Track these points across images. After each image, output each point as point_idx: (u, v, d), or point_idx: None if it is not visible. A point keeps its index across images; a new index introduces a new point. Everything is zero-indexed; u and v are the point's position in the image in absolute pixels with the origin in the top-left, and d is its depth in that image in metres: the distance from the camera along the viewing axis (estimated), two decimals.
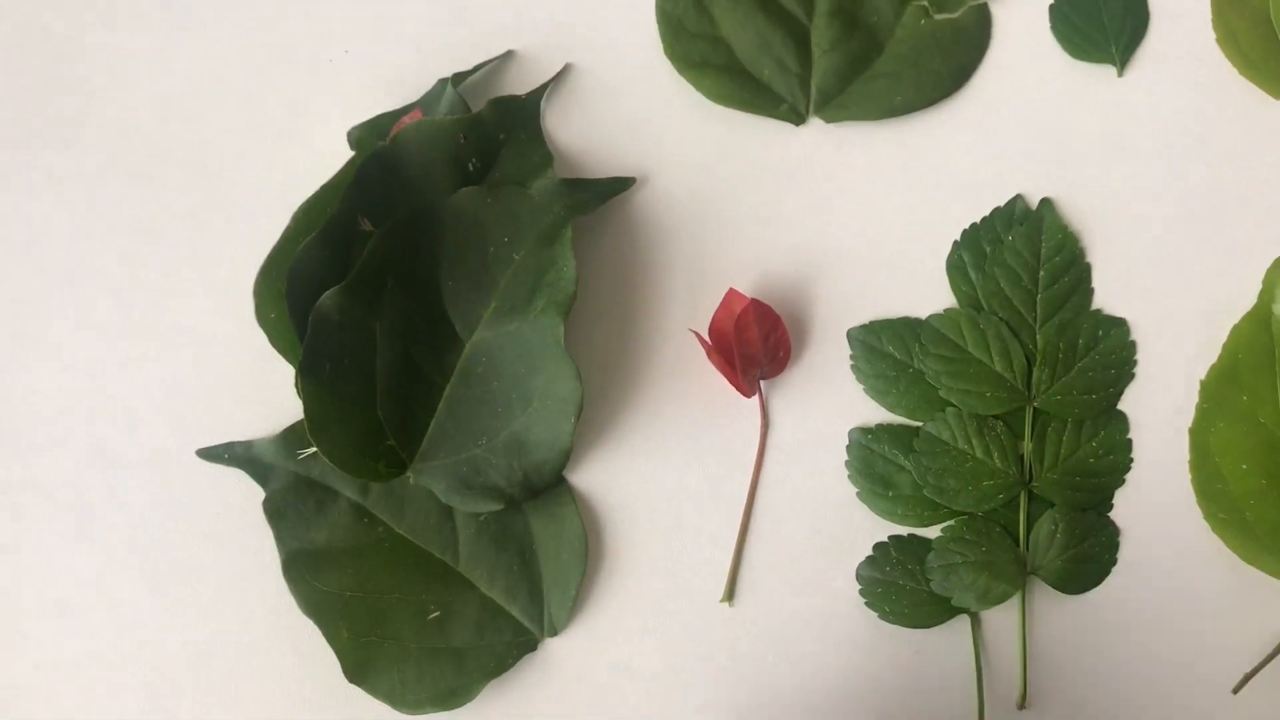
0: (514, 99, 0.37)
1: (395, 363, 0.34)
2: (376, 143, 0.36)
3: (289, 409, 0.36)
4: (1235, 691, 0.34)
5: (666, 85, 0.38)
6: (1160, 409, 0.36)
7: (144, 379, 0.37)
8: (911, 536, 0.35)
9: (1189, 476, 0.35)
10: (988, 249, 0.36)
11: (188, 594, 0.36)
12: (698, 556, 0.35)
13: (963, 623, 0.35)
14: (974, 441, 0.35)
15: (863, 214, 0.37)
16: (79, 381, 0.37)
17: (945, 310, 0.36)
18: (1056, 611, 0.35)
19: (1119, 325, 0.36)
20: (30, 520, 0.36)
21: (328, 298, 0.33)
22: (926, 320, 0.36)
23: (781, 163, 0.37)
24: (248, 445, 0.36)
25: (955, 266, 0.36)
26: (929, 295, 0.37)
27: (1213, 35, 0.38)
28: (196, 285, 0.37)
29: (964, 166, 0.37)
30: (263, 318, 0.35)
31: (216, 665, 0.35)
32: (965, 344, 0.35)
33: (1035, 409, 0.35)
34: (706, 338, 0.35)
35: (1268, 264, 0.36)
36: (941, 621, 0.34)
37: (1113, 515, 0.35)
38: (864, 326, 0.36)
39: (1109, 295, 0.36)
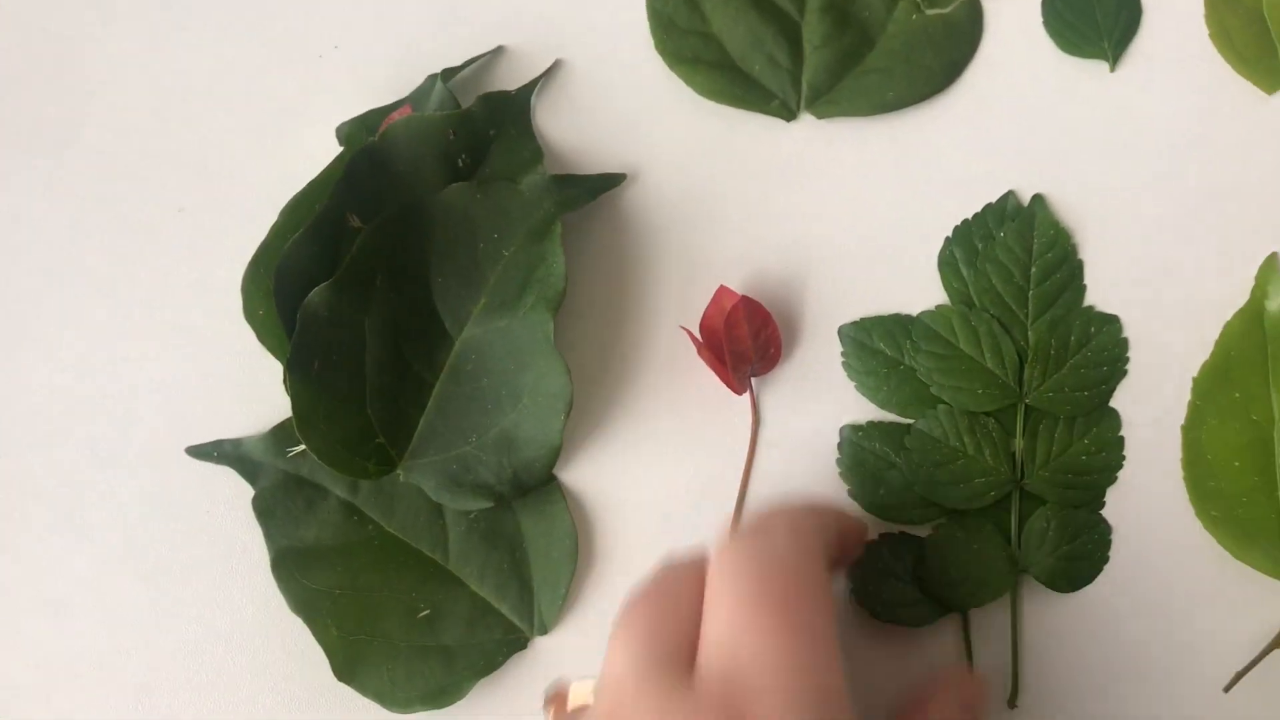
0: (504, 95, 0.37)
1: (384, 359, 0.34)
2: (366, 138, 0.36)
3: (278, 406, 0.35)
4: (1227, 689, 0.34)
5: (657, 81, 0.38)
6: (1152, 406, 0.36)
7: (133, 377, 0.37)
8: (903, 534, 0.35)
9: (1181, 474, 0.35)
10: (979, 245, 0.36)
11: (176, 592, 0.36)
12: None
13: (954, 621, 0.35)
14: (965, 439, 0.35)
15: (854, 210, 0.37)
16: (68, 379, 0.37)
17: (937, 307, 0.36)
18: (1048, 610, 0.35)
19: (1111, 322, 0.36)
20: (18, 518, 0.36)
21: (316, 294, 0.33)
22: (918, 317, 0.36)
23: (773, 159, 0.37)
24: (237, 443, 0.36)
25: (947, 263, 0.36)
26: (920, 292, 0.37)
27: (1205, 31, 0.38)
28: (186, 282, 0.37)
29: (956, 162, 0.37)
30: (251, 314, 0.35)
31: (205, 663, 0.35)
32: (957, 341, 0.35)
33: (1027, 406, 0.35)
34: (697, 334, 0.35)
35: (1260, 261, 0.36)
36: (933, 620, 0.34)
37: (1105, 513, 0.35)
38: (855, 323, 0.36)
39: (1101, 292, 0.36)
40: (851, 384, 0.36)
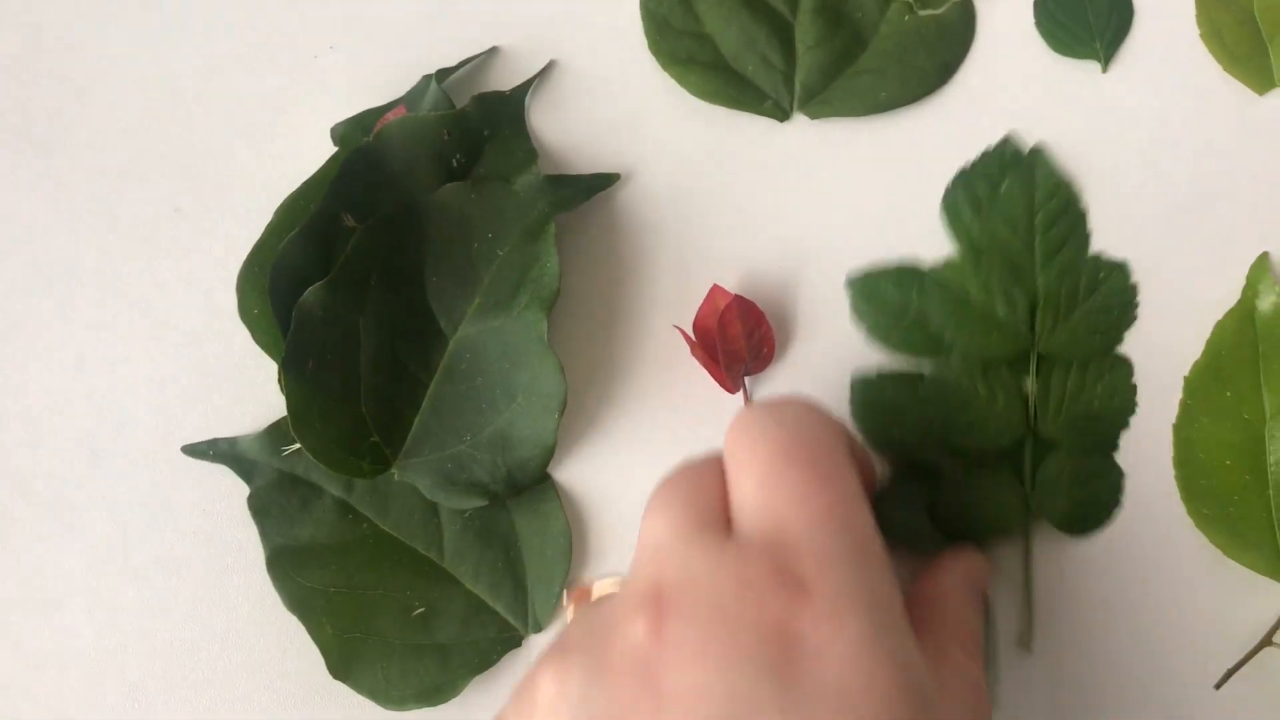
0: (498, 95, 0.37)
1: (379, 359, 0.34)
2: (361, 138, 0.36)
3: (274, 405, 0.36)
4: (1218, 687, 0.34)
5: (651, 82, 0.38)
6: (1147, 397, 0.36)
7: (128, 376, 0.37)
8: (916, 470, 0.35)
9: (1173, 472, 0.35)
10: (983, 191, 0.36)
11: (172, 590, 0.36)
12: None
13: None
14: (979, 386, 0.35)
15: (847, 210, 0.37)
16: (63, 378, 0.37)
17: (945, 258, 0.36)
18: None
19: (1119, 268, 0.36)
20: (13, 516, 0.36)
21: (311, 294, 0.33)
22: (929, 269, 0.36)
23: (766, 159, 0.37)
24: (232, 442, 0.36)
25: (951, 208, 0.36)
26: None
27: (1197, 31, 0.38)
28: (181, 281, 0.37)
29: (948, 162, 0.37)
30: (246, 314, 0.35)
31: (200, 661, 0.35)
32: (967, 290, 0.35)
33: (1039, 353, 0.35)
34: (690, 334, 0.35)
35: (1251, 260, 0.36)
36: (945, 549, 0.34)
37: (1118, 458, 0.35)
38: (862, 272, 0.36)
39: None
40: (846, 382, 0.36)
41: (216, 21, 0.39)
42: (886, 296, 0.36)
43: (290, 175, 0.36)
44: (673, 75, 0.38)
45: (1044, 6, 0.38)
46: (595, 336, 0.37)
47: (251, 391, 0.36)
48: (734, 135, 0.38)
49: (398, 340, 0.35)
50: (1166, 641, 0.35)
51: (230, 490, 0.36)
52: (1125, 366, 0.36)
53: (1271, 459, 0.35)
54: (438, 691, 0.34)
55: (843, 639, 0.23)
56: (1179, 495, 0.35)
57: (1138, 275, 0.36)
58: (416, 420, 0.35)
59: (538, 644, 0.35)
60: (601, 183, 0.37)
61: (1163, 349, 0.36)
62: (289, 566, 0.35)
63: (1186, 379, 0.36)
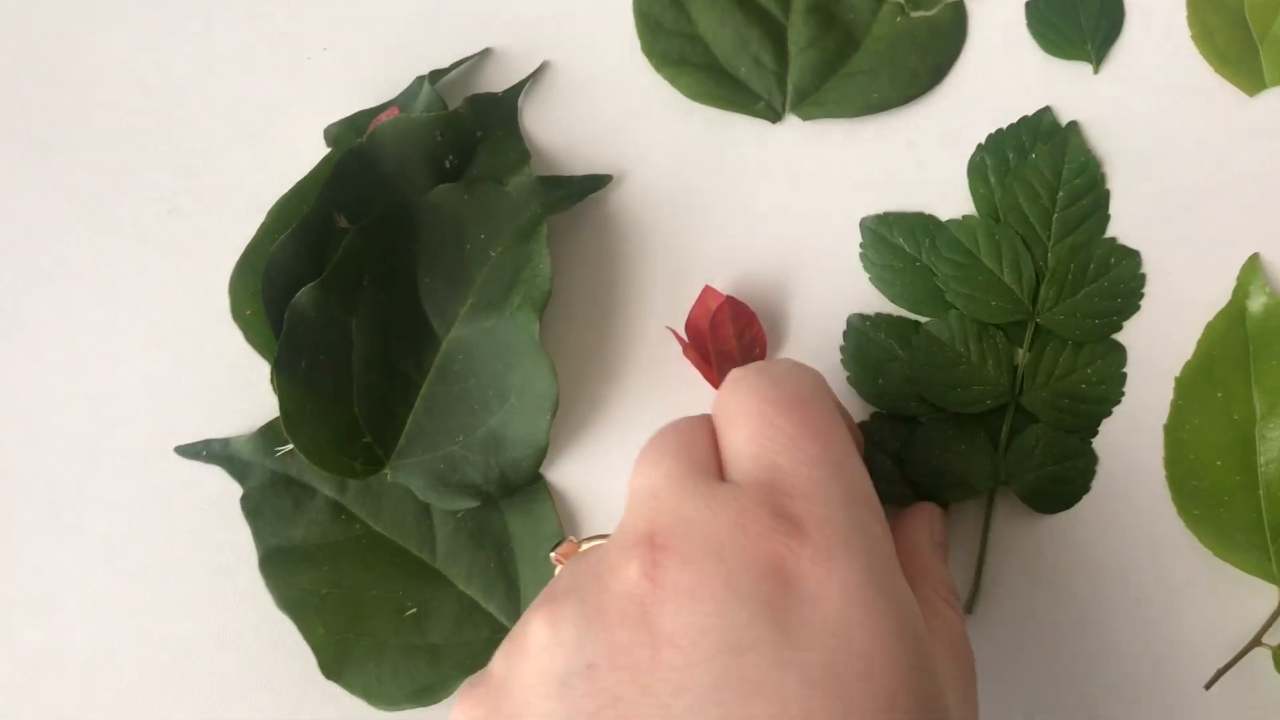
0: (491, 96, 0.37)
1: (371, 359, 0.34)
2: (354, 140, 0.36)
3: (267, 406, 0.36)
4: (1208, 687, 0.34)
5: (644, 83, 0.38)
6: (1141, 388, 0.36)
7: (122, 376, 0.37)
8: (896, 417, 0.36)
9: (1163, 473, 0.36)
10: (1011, 157, 0.36)
11: (165, 591, 0.36)
12: None
13: None
14: (971, 346, 0.35)
15: (839, 211, 0.37)
16: (57, 378, 0.37)
17: (963, 216, 0.36)
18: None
19: (1131, 256, 0.36)
20: (7, 517, 0.36)
21: (303, 294, 0.33)
22: (944, 223, 0.36)
23: (758, 160, 0.38)
24: (225, 442, 0.36)
25: (976, 169, 0.37)
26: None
27: (1188, 32, 0.38)
28: (175, 282, 0.37)
29: (940, 163, 0.37)
30: (238, 314, 0.35)
31: (193, 662, 0.35)
32: (978, 251, 0.36)
33: (1037, 325, 0.36)
34: (682, 335, 0.36)
35: (1242, 261, 0.36)
36: (911, 502, 0.35)
37: (1095, 445, 0.36)
38: (878, 216, 0.37)
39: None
40: (840, 379, 0.36)
41: (210, 22, 0.39)
42: (898, 242, 0.36)
43: (283, 176, 0.36)
44: (665, 76, 0.38)
45: (1035, 8, 0.38)
46: (588, 337, 0.37)
47: (245, 392, 0.36)
48: (726, 136, 0.38)
49: (390, 341, 0.35)
50: (1157, 642, 0.35)
51: (223, 491, 0.36)
52: (1119, 354, 0.36)
53: (1262, 460, 0.35)
54: (430, 692, 0.34)
55: (839, 578, 0.23)
56: (1169, 495, 0.35)
57: None
58: (409, 421, 0.35)
59: None
60: (594, 184, 0.37)
61: (1157, 345, 0.36)
62: (282, 567, 0.35)
63: (1178, 379, 0.36)
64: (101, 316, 0.37)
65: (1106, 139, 0.37)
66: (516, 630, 0.25)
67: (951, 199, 0.37)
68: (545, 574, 0.35)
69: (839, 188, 0.37)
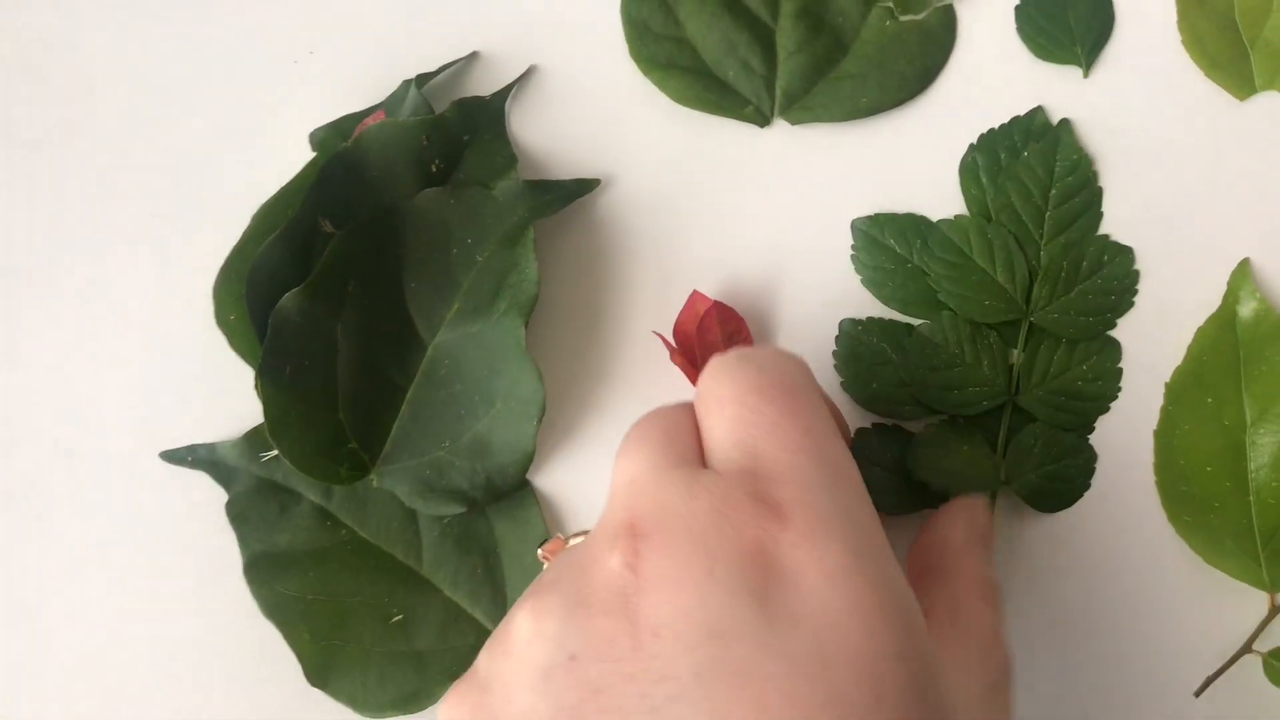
0: (478, 100, 0.37)
1: (357, 365, 0.34)
2: (339, 144, 0.36)
3: (253, 411, 0.35)
4: (1198, 694, 0.34)
5: (632, 87, 0.38)
6: (1131, 395, 0.36)
7: (106, 381, 0.37)
8: (895, 426, 0.35)
9: (1153, 479, 0.35)
10: (1003, 157, 0.36)
11: (149, 597, 0.36)
12: None
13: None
14: (965, 347, 0.35)
15: (829, 214, 0.37)
16: (41, 383, 0.37)
17: (955, 216, 0.36)
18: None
19: (1124, 253, 0.36)
20: None
21: (288, 299, 0.33)
22: (936, 223, 0.36)
23: (746, 165, 0.37)
24: (211, 448, 0.36)
25: (968, 169, 0.37)
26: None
27: (1178, 37, 0.38)
28: (160, 287, 0.37)
29: (929, 168, 0.37)
30: (222, 320, 0.35)
31: (177, 669, 0.35)
32: (971, 251, 0.36)
33: (1031, 324, 0.36)
34: (670, 340, 0.35)
35: (1232, 266, 0.36)
36: (911, 511, 0.35)
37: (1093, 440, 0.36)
38: (869, 218, 0.37)
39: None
40: (833, 384, 0.36)
41: (195, 26, 0.39)
42: (889, 244, 0.36)
43: (268, 180, 0.36)
44: (653, 80, 0.37)
45: (1025, 12, 0.38)
46: (574, 342, 0.37)
47: (230, 397, 0.36)
48: (714, 141, 0.38)
49: (376, 346, 0.34)
50: (1146, 649, 0.35)
51: (209, 497, 0.36)
52: (1114, 350, 0.36)
53: (1252, 466, 0.35)
54: (415, 699, 0.34)
55: (823, 562, 0.23)
56: (1159, 502, 0.35)
57: None
58: (395, 426, 0.35)
59: None
60: (582, 188, 0.37)
61: (1151, 342, 0.36)
62: (267, 573, 0.35)
63: (1168, 385, 0.36)
64: (85, 321, 0.37)
65: (1097, 143, 0.37)
66: (501, 625, 0.25)
67: (942, 201, 0.37)
68: (532, 579, 0.34)
69: (828, 191, 0.37)
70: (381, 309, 0.34)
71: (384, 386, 0.35)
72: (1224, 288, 0.36)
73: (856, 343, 0.36)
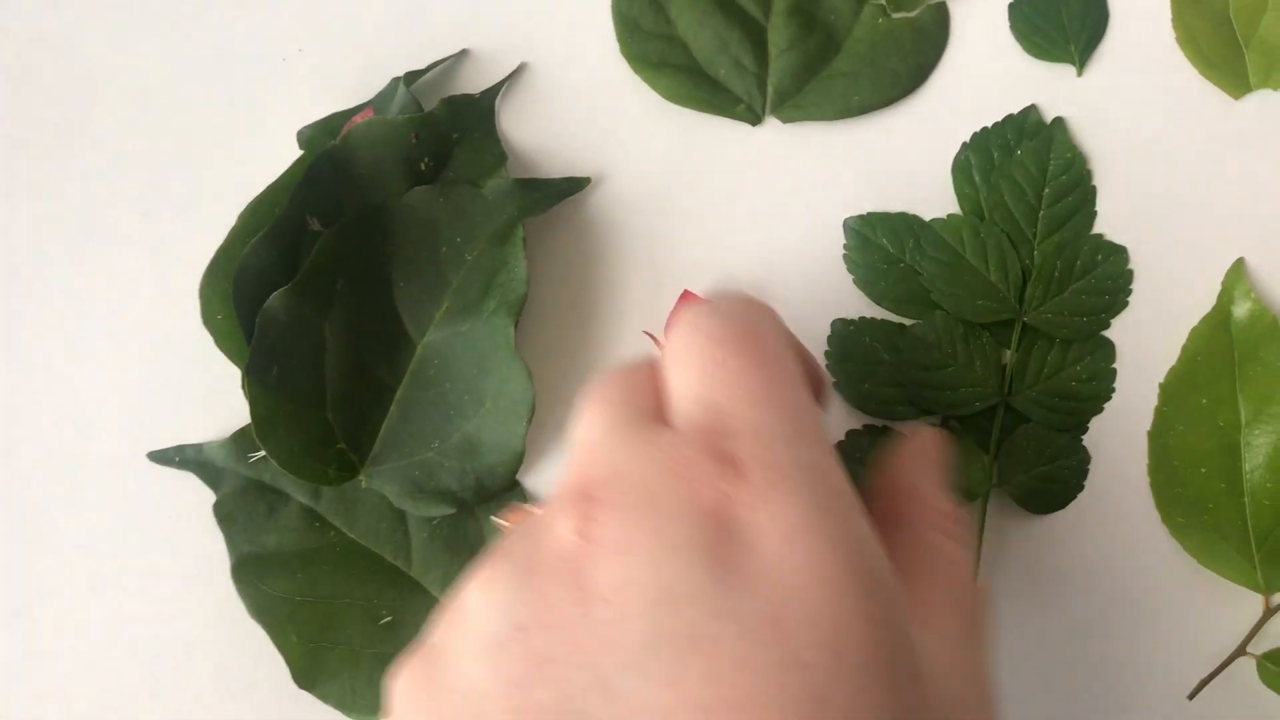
0: (468, 98, 0.37)
1: (345, 364, 0.34)
2: (327, 142, 0.35)
3: (241, 411, 0.35)
4: (1191, 697, 0.34)
5: (622, 85, 0.37)
6: (1129, 403, 0.36)
7: (93, 381, 0.37)
8: (886, 428, 0.35)
9: (1147, 480, 0.35)
10: (996, 155, 0.36)
11: (136, 598, 0.35)
12: None
13: None
14: (958, 347, 0.35)
15: (821, 213, 0.37)
16: (27, 383, 0.37)
17: (948, 215, 0.36)
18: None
19: (1118, 252, 0.36)
20: None
21: (275, 299, 0.33)
22: (929, 223, 0.36)
23: (738, 163, 0.37)
24: (198, 448, 0.36)
25: (961, 168, 0.36)
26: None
27: (1173, 35, 0.37)
28: (149, 286, 0.37)
29: (922, 167, 0.37)
30: (209, 319, 0.35)
31: (164, 671, 0.35)
32: (964, 250, 0.35)
33: (1024, 324, 0.35)
34: (661, 339, 0.35)
35: (1227, 266, 0.36)
36: None
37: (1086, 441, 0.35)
38: (860, 217, 0.36)
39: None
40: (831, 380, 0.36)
41: (183, 23, 0.38)
42: (881, 243, 0.36)
43: (256, 179, 0.35)
44: (644, 78, 0.37)
45: (1019, 9, 0.38)
46: (565, 342, 0.36)
47: (218, 397, 0.36)
48: (706, 139, 0.37)
49: (364, 346, 0.34)
50: (1140, 651, 0.34)
51: (197, 498, 0.35)
52: (1108, 350, 0.36)
53: (1247, 466, 0.35)
54: None
55: (780, 521, 0.22)
56: (1153, 503, 0.35)
57: None
58: (384, 426, 0.34)
59: None
60: (572, 186, 0.37)
61: (1146, 342, 0.36)
62: (254, 574, 0.34)
63: (1162, 385, 0.36)
64: (72, 321, 0.37)
65: (1090, 141, 0.37)
66: (456, 597, 0.24)
67: (935, 200, 0.37)
68: None
69: (820, 190, 0.37)
70: (370, 308, 0.34)
71: (372, 386, 0.34)
72: (1218, 288, 0.36)
73: (849, 343, 0.36)
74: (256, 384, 0.33)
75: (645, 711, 0.20)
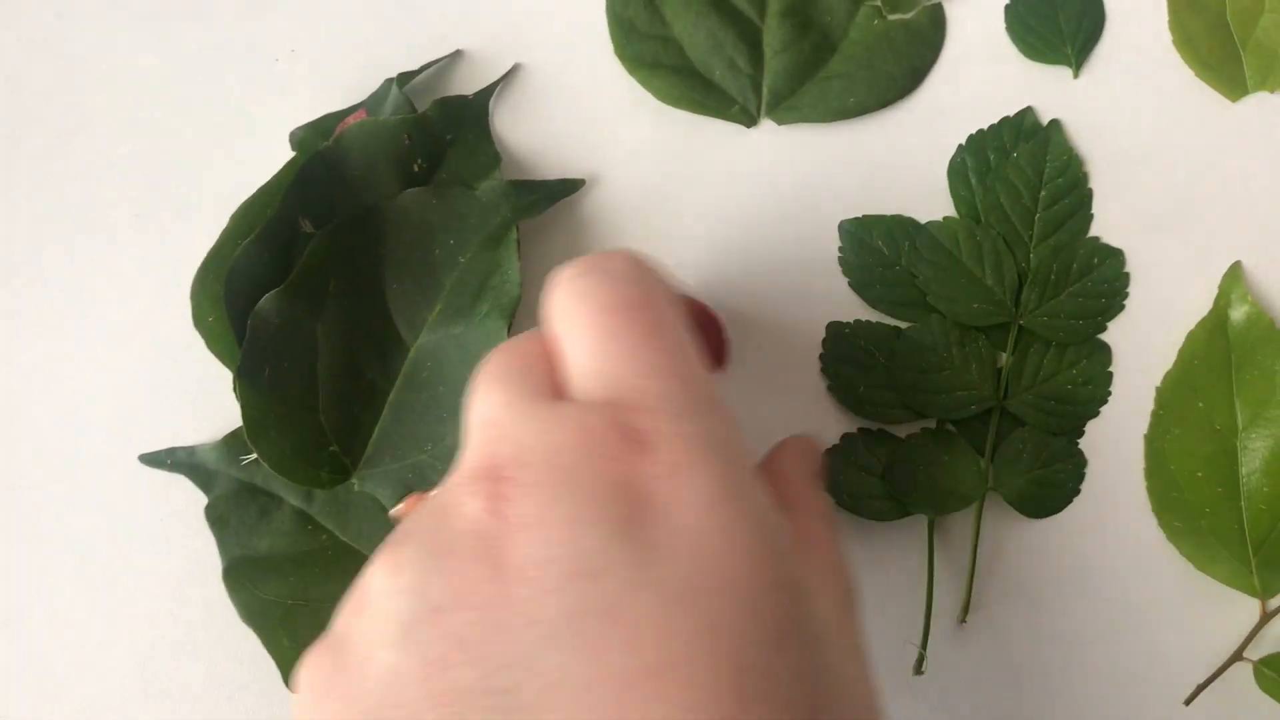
0: (461, 99, 0.37)
1: (337, 367, 0.34)
2: (320, 143, 0.35)
3: (233, 413, 0.35)
4: (1188, 703, 0.34)
5: (617, 86, 0.37)
6: (1125, 407, 0.35)
7: (84, 383, 0.36)
8: (880, 431, 0.35)
9: (1144, 484, 0.35)
10: (992, 158, 0.36)
11: (127, 601, 0.35)
12: None
13: (919, 523, 0.35)
14: (954, 351, 0.35)
15: (816, 215, 0.37)
16: (17, 385, 0.36)
17: (944, 218, 0.36)
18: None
19: (1114, 255, 0.36)
20: None
21: (267, 300, 0.33)
22: (924, 225, 0.36)
23: (733, 165, 0.37)
24: (190, 450, 0.35)
25: (957, 170, 0.36)
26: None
27: (1169, 38, 0.37)
28: (140, 287, 0.37)
29: (917, 169, 0.37)
30: (200, 321, 0.35)
31: (155, 674, 0.35)
32: (960, 253, 0.35)
33: (1020, 327, 0.35)
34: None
35: (1223, 269, 0.36)
36: (897, 517, 0.34)
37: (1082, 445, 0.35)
38: (856, 219, 0.36)
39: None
40: (819, 387, 0.36)
41: (175, 24, 0.38)
42: (877, 245, 0.36)
43: (248, 180, 0.35)
44: (639, 79, 0.37)
45: (1015, 11, 0.37)
46: None
47: (210, 399, 0.36)
48: (700, 141, 0.37)
49: (357, 348, 0.34)
50: (1136, 656, 0.34)
51: (188, 500, 0.35)
52: (1104, 354, 0.35)
53: (1244, 471, 0.35)
54: None
55: (691, 491, 0.22)
56: (1150, 507, 0.35)
57: None
58: (376, 429, 0.34)
59: None
60: (566, 188, 0.36)
61: (1142, 345, 0.36)
62: (246, 578, 0.34)
63: (1158, 389, 0.35)
64: (63, 322, 0.37)
65: (1087, 144, 0.37)
66: (356, 583, 0.24)
67: (931, 202, 0.37)
68: None
69: (815, 192, 0.37)
70: (362, 310, 0.34)
71: (365, 389, 0.34)
72: (1215, 291, 0.36)
73: (843, 346, 0.35)
74: (248, 386, 0.33)
75: (569, 685, 0.20)
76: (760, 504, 0.23)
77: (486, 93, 0.37)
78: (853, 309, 0.36)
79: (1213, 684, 0.34)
